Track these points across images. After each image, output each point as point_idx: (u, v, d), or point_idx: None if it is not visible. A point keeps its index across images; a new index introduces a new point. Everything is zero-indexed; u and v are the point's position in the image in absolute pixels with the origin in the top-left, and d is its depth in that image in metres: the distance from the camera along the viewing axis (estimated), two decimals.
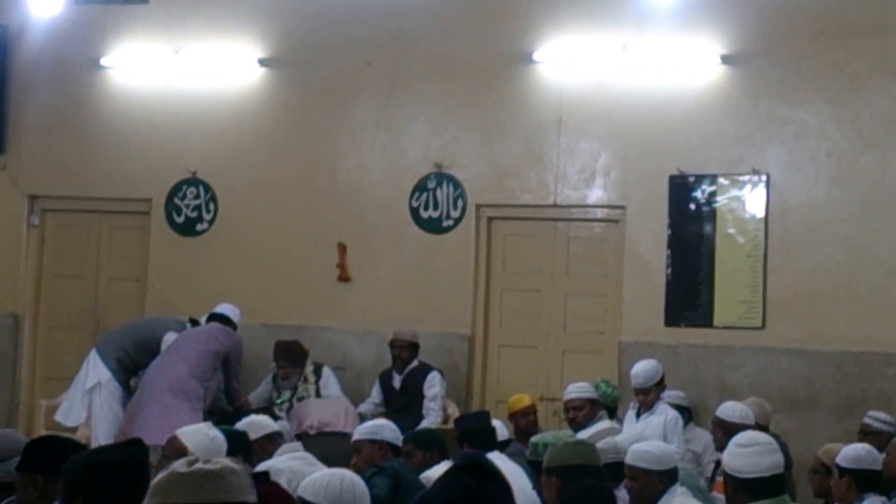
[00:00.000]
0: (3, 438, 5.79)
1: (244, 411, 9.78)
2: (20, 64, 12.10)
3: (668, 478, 6.46)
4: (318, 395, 10.49)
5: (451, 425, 9.34)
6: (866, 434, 8.84)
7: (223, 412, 10.25)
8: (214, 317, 10.39)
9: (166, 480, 3.31)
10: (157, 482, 3.32)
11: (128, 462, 4.00)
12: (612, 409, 9.53)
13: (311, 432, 9.64)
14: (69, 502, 4.07)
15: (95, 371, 10.29)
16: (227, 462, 3.36)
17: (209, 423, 6.58)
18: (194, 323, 10.53)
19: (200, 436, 6.12)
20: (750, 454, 5.40)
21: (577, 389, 9.28)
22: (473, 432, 7.81)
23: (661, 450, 6.62)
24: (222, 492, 3.27)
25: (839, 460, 6.87)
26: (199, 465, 3.32)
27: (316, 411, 9.96)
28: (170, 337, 10.31)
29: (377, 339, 11.02)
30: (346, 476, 4.90)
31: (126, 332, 10.52)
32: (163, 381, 9.74)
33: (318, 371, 10.63)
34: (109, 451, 4.18)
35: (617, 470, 6.59)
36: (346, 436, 8.34)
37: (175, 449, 6.01)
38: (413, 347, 10.47)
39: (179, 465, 3.34)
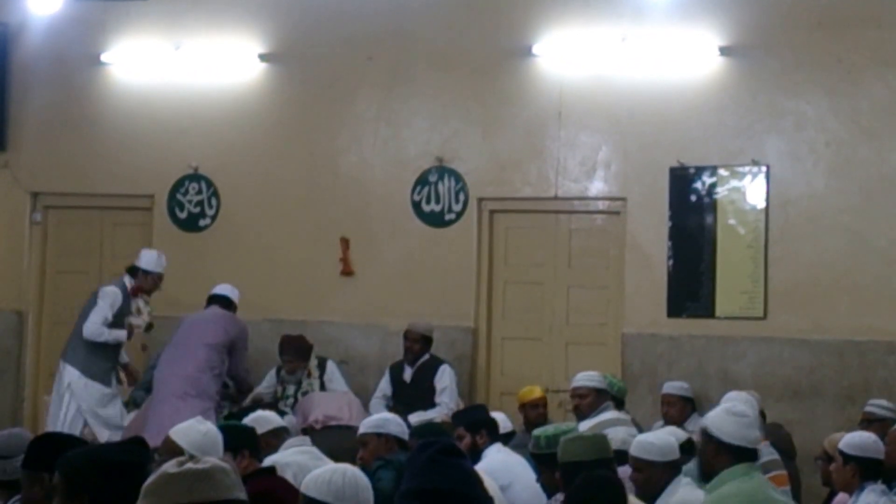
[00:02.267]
0: (9, 437, 5.84)
1: (255, 404, 9.86)
2: (21, 61, 12.12)
3: (672, 468, 6.54)
4: (322, 389, 10.54)
5: None
6: (870, 422, 8.88)
7: (232, 399, 10.33)
8: (214, 298, 10.41)
9: (156, 482, 3.36)
10: (148, 484, 3.37)
11: (132, 462, 4.02)
12: (621, 401, 9.56)
13: (317, 426, 9.68)
14: (72, 500, 4.11)
15: (65, 376, 10.36)
16: (216, 461, 3.42)
17: (200, 418, 6.60)
18: (130, 272, 10.49)
19: (192, 432, 6.12)
20: (743, 425, 5.80)
21: (584, 378, 9.32)
22: (480, 423, 7.86)
23: (664, 441, 6.69)
24: (212, 490, 3.33)
25: (842, 447, 6.94)
26: (188, 466, 3.37)
27: (320, 405, 10.01)
28: (109, 290, 10.37)
29: (380, 333, 11.08)
30: (349, 471, 4.93)
31: (75, 331, 10.52)
32: (173, 382, 9.81)
33: (322, 365, 10.67)
34: (114, 449, 4.19)
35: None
36: (352, 429, 8.40)
37: (168, 449, 6.00)
38: (425, 341, 10.51)
39: (169, 466, 3.39)
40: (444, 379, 10.39)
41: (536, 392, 9.95)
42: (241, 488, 3.42)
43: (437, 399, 10.34)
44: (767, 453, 8.04)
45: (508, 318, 11.07)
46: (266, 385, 10.75)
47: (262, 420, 7.56)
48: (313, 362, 10.67)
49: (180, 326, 10.25)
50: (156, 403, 9.82)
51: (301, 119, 11.50)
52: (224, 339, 10.10)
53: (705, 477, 5.85)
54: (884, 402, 9.22)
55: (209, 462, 3.38)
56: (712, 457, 5.77)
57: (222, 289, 10.48)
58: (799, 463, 9.12)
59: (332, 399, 10.16)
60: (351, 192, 11.29)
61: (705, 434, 5.84)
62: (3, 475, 5.60)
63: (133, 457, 4.05)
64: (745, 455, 5.75)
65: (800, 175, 10.32)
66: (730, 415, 5.83)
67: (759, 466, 5.93)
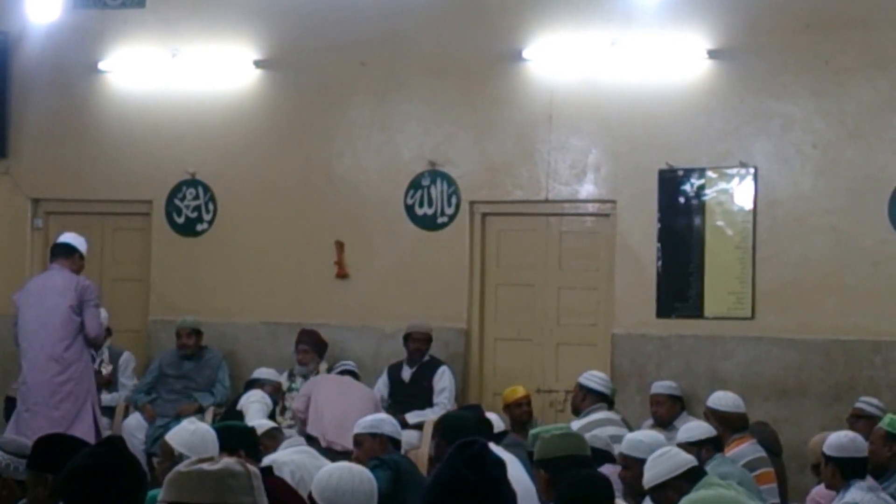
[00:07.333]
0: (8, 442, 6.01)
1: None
2: (20, 69, 12.21)
3: None
4: None
5: None
6: (859, 418, 8.99)
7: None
8: (57, 249, 9.88)
9: (171, 477, 3.53)
10: (167, 478, 3.55)
11: (98, 464, 4.13)
12: (610, 401, 9.68)
13: (322, 443, 9.54)
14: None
15: None
16: (230, 464, 3.52)
17: (192, 419, 6.72)
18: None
19: (184, 433, 6.31)
20: (666, 460, 6.15)
21: (585, 377, 9.49)
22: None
23: (653, 439, 6.83)
24: (215, 492, 3.45)
25: (825, 449, 7.11)
26: (198, 466, 3.50)
27: (332, 411, 9.97)
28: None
29: (375, 335, 11.19)
30: (354, 469, 5.09)
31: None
32: (39, 391, 9.53)
33: (331, 370, 10.83)
34: (84, 455, 4.26)
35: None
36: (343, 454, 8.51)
37: (164, 452, 6.27)
38: (429, 341, 10.66)
39: (183, 465, 3.55)
40: (445, 380, 10.52)
41: (519, 392, 10.20)
42: (252, 492, 3.51)
43: (436, 399, 10.48)
44: (753, 451, 8.20)
45: (500, 320, 11.17)
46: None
47: (255, 426, 7.72)
48: (324, 365, 10.85)
49: (28, 307, 9.72)
50: (30, 417, 9.45)
51: (296, 124, 11.60)
52: (71, 319, 9.56)
53: None
54: (873, 400, 9.33)
55: (221, 464, 3.50)
56: (677, 490, 6.03)
57: (67, 237, 9.88)
58: (785, 460, 9.26)
59: (348, 408, 9.88)
60: (345, 196, 11.39)
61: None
62: (18, 475, 5.73)
63: (99, 460, 4.15)
64: (692, 475, 6.09)
65: (787, 176, 10.40)
66: (656, 460, 6.19)
67: (712, 476, 6.22)
